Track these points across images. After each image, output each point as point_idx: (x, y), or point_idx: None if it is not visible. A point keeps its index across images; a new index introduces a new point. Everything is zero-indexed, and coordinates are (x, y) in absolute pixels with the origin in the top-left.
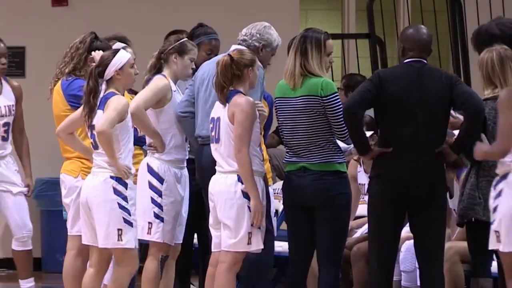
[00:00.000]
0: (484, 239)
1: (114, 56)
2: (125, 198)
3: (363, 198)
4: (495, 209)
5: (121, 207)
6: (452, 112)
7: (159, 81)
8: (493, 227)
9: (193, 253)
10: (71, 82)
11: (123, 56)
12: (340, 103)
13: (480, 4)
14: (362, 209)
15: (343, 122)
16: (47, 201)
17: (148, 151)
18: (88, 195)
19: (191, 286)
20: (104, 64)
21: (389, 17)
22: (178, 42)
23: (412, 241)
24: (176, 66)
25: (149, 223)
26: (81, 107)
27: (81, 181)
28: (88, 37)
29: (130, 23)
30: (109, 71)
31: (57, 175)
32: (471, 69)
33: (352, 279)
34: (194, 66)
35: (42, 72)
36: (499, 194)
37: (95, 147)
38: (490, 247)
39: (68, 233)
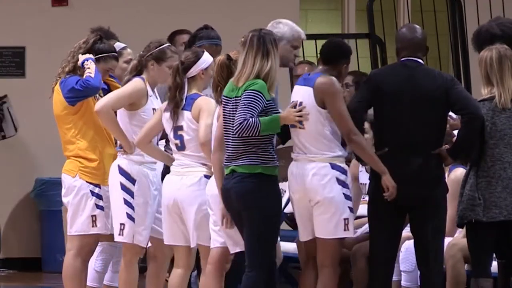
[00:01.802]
0: (484, 239)
1: (200, 55)
2: None
3: (364, 198)
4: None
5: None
6: (451, 114)
7: (136, 83)
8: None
9: None
10: (67, 79)
11: (208, 57)
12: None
13: (480, 4)
14: (363, 209)
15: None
16: (47, 201)
17: (118, 153)
18: (177, 195)
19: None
20: (191, 61)
21: (389, 17)
22: (157, 49)
23: (412, 241)
24: (153, 72)
25: (121, 224)
26: (153, 117)
27: (79, 180)
28: (92, 38)
29: (130, 23)
30: (195, 70)
31: (57, 175)
32: (471, 69)
33: (352, 279)
34: None
35: (42, 72)
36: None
37: (181, 148)
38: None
39: (68, 233)
